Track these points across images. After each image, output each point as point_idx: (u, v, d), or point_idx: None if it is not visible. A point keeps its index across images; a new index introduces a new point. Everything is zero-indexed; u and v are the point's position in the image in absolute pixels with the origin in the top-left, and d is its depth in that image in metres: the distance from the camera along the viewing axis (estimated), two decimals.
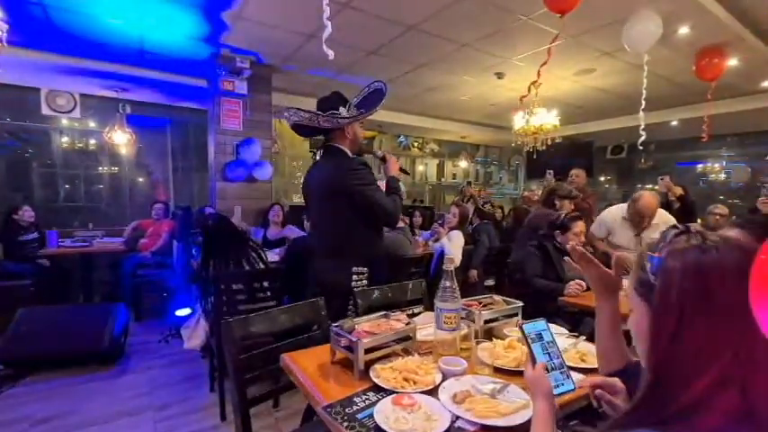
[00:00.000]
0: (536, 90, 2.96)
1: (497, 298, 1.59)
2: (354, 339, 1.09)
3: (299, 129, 1.86)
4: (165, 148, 5.68)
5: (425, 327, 1.42)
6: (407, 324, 1.24)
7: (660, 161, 9.43)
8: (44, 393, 2.60)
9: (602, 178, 9.42)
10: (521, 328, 0.88)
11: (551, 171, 4.32)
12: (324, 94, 1.90)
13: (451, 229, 3.25)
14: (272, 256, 3.18)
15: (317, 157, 2.01)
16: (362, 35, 3.58)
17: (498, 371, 1.14)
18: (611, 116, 6.76)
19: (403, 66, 4.43)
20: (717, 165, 8.63)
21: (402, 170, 2.08)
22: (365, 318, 1.30)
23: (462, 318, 1.27)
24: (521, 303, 1.52)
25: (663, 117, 5.93)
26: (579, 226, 2.46)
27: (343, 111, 1.82)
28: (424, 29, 3.46)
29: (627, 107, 6.12)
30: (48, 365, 2.86)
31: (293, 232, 3.84)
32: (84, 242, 4.41)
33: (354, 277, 1.82)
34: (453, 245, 3.16)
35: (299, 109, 1.75)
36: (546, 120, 5.10)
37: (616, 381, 0.81)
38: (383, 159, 1.99)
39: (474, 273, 3.37)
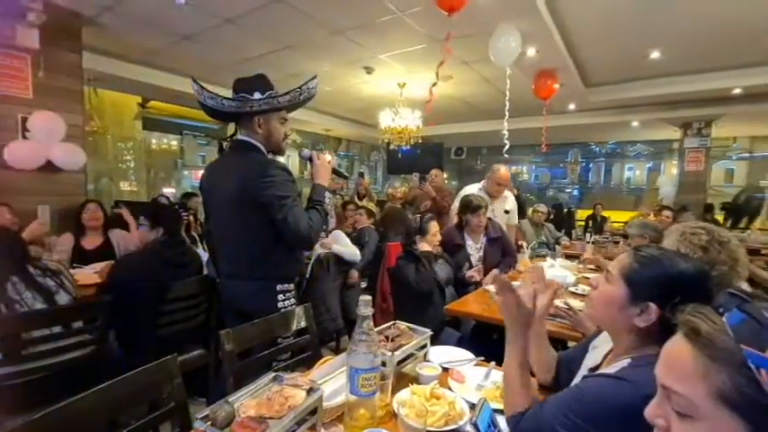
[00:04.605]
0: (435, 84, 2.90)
1: (402, 326, 1.38)
2: None
3: (207, 110, 1.56)
4: None
5: (325, 380, 1.11)
6: (310, 390, 0.92)
7: (490, 163, 11.25)
8: None
9: (445, 175, 10.86)
10: (476, 426, 0.69)
11: (417, 174, 4.45)
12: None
13: (330, 231, 2.94)
14: (92, 273, 2.37)
15: (225, 150, 1.62)
16: None
17: None
18: (458, 122, 7.49)
19: (266, 44, 3.89)
20: (524, 167, 11.61)
21: (337, 172, 1.76)
22: (248, 390, 0.91)
23: None
24: (429, 332, 1.34)
25: (494, 126, 6.72)
26: (435, 227, 2.51)
27: (257, 95, 1.49)
28: (294, 3, 3.04)
29: (471, 115, 6.85)
30: None
31: (125, 240, 2.94)
32: None
33: (280, 297, 1.55)
34: (346, 244, 2.88)
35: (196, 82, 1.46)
36: (411, 121, 5.30)
37: None
38: (310, 160, 1.62)
39: (356, 273, 3.14)
